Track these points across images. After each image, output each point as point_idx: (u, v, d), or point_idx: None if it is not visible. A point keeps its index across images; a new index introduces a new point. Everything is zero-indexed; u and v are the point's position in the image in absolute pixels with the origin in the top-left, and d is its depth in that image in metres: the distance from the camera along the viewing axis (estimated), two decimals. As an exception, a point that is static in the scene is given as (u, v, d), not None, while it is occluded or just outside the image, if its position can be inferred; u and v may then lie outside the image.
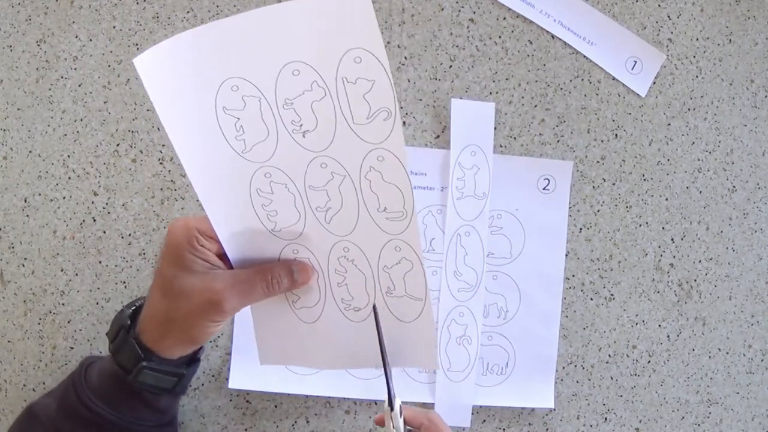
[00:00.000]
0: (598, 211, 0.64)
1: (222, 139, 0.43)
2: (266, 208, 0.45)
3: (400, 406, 0.47)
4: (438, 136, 0.63)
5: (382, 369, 0.47)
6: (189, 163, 0.42)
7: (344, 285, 0.47)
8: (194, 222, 0.45)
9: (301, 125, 0.43)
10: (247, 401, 0.60)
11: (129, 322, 0.47)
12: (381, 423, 0.49)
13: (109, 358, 0.48)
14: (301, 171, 0.44)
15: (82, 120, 0.60)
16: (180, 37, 0.40)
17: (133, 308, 0.49)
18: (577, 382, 0.63)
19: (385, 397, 0.47)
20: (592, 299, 0.64)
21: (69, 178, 0.60)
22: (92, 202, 0.60)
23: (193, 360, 0.50)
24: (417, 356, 0.49)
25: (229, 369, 0.59)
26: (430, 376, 0.61)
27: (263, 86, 0.42)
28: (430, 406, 0.61)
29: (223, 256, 0.46)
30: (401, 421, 0.47)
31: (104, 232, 0.60)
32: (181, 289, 0.44)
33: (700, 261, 0.65)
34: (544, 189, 0.63)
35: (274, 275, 0.46)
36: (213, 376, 0.60)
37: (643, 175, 0.65)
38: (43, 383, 0.59)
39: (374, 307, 0.47)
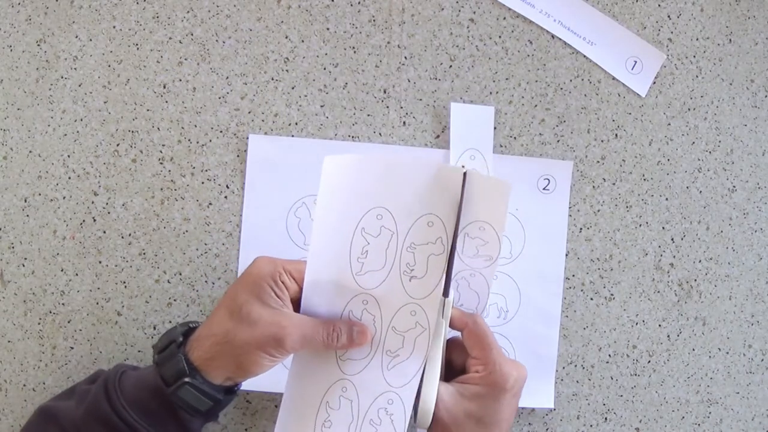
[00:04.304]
0: (598, 211, 0.64)
1: (347, 255, 0.48)
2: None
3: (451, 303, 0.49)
4: (438, 136, 0.63)
5: (448, 253, 0.49)
6: (313, 252, 0.48)
7: None
8: (282, 261, 0.48)
9: (413, 270, 0.47)
10: (247, 401, 0.60)
11: (181, 339, 0.49)
12: None
13: (149, 369, 0.48)
14: (393, 310, 0.48)
15: (82, 120, 0.60)
16: (365, 157, 0.48)
17: (186, 328, 0.50)
18: (577, 382, 0.63)
19: (442, 286, 0.48)
20: (592, 299, 0.64)
21: (69, 178, 0.60)
22: (92, 202, 0.60)
23: (230, 390, 0.50)
24: None
25: (229, 369, 0.59)
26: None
27: (401, 224, 0.47)
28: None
29: (295, 302, 0.48)
30: (449, 314, 0.49)
31: (104, 232, 0.60)
32: (250, 316, 0.46)
33: (700, 261, 0.65)
34: (544, 189, 0.63)
35: (336, 329, 0.48)
36: (213, 376, 0.60)
37: (643, 175, 0.65)
38: (43, 383, 0.59)
39: (464, 174, 0.48)
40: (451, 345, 0.51)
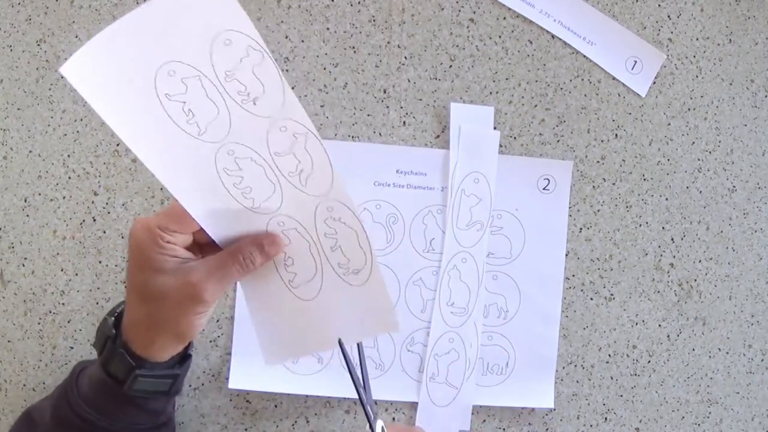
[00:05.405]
0: (598, 211, 0.64)
1: (174, 126, 0.42)
2: (238, 187, 0.44)
3: (383, 428, 0.47)
4: (438, 136, 0.63)
5: (358, 394, 0.46)
6: (147, 157, 0.41)
7: (338, 248, 0.46)
8: (153, 221, 0.44)
9: (249, 93, 0.42)
10: (247, 401, 0.60)
11: (114, 332, 0.46)
12: None
13: (98, 365, 0.47)
14: (262, 140, 0.43)
15: (82, 120, 0.60)
16: (103, 35, 0.38)
17: (115, 315, 0.48)
18: (577, 382, 0.63)
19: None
20: (592, 299, 0.64)
21: (69, 178, 0.60)
22: (92, 202, 0.60)
23: (184, 357, 0.49)
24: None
25: (229, 369, 0.59)
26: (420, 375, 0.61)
27: (199, 64, 0.41)
28: (434, 406, 0.61)
29: (190, 246, 0.45)
30: None
31: (104, 232, 0.60)
32: (158, 291, 0.43)
33: (700, 261, 0.65)
34: (544, 189, 0.63)
35: (245, 254, 0.45)
36: (213, 376, 0.60)
37: (643, 175, 0.65)
38: (43, 383, 0.59)
39: (339, 341, 0.46)
40: None
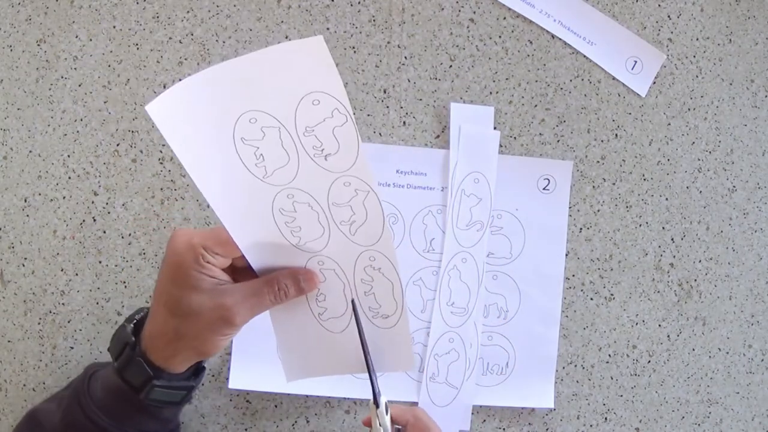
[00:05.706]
0: (598, 211, 0.64)
1: (241, 166, 0.44)
2: (290, 225, 0.46)
3: (386, 404, 0.48)
4: (438, 136, 0.63)
5: (366, 368, 0.47)
6: (206, 189, 0.43)
7: (371, 294, 0.48)
8: (198, 238, 0.44)
9: (323, 149, 0.44)
10: (247, 401, 0.60)
11: (133, 339, 0.47)
12: (369, 424, 0.49)
13: (113, 371, 0.48)
14: (324, 190, 0.45)
15: (82, 120, 0.60)
16: (191, 80, 0.41)
17: (133, 322, 0.49)
18: (577, 382, 0.63)
19: (371, 396, 0.47)
20: (592, 299, 0.64)
21: (69, 178, 0.60)
22: (92, 202, 0.60)
23: (197, 369, 0.50)
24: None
25: (229, 369, 0.59)
26: (417, 375, 0.61)
27: (282, 117, 0.43)
28: (434, 406, 0.61)
29: (226, 268, 0.46)
30: (387, 419, 0.47)
31: (104, 232, 0.60)
32: (191, 308, 0.44)
33: (700, 261, 0.65)
34: (544, 189, 0.63)
35: (281, 285, 0.46)
36: (213, 376, 0.60)
37: (643, 175, 0.65)
38: (43, 383, 0.59)
39: (353, 302, 0.48)
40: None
